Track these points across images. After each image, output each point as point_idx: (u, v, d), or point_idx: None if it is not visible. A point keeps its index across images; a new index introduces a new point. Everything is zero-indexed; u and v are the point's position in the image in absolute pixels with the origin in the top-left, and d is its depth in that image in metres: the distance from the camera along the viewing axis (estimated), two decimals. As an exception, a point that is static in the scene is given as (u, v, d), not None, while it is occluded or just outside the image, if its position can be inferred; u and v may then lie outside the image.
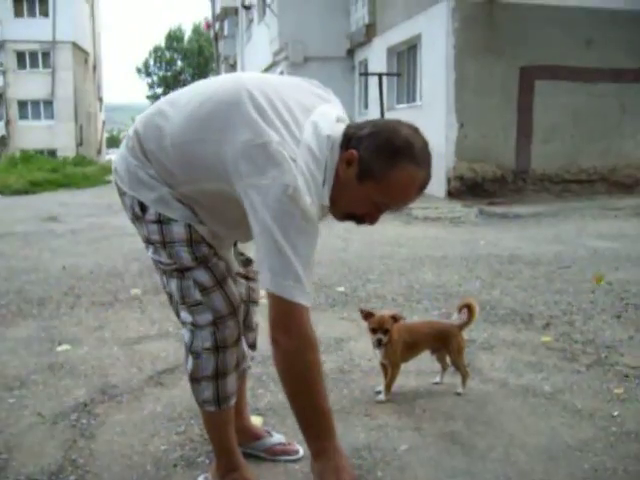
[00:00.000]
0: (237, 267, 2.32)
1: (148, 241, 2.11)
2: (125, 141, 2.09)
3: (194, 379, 2.15)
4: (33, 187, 17.80)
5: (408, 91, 14.63)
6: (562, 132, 11.66)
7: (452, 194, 11.60)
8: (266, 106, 1.85)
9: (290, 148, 1.79)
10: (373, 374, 3.47)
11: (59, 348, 4.01)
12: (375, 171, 1.85)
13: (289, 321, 1.84)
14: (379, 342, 3.00)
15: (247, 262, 2.42)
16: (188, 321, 2.10)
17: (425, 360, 3.70)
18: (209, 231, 2.07)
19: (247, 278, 2.39)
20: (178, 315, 2.18)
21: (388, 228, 8.74)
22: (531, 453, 2.65)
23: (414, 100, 14.12)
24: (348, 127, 1.94)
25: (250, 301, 2.40)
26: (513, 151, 11.69)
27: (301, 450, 2.59)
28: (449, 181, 11.67)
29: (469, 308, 3.23)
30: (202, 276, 2.05)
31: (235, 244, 2.36)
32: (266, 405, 3.09)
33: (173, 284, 2.09)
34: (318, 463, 1.95)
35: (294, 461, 2.57)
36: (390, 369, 3.11)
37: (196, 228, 2.03)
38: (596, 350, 3.84)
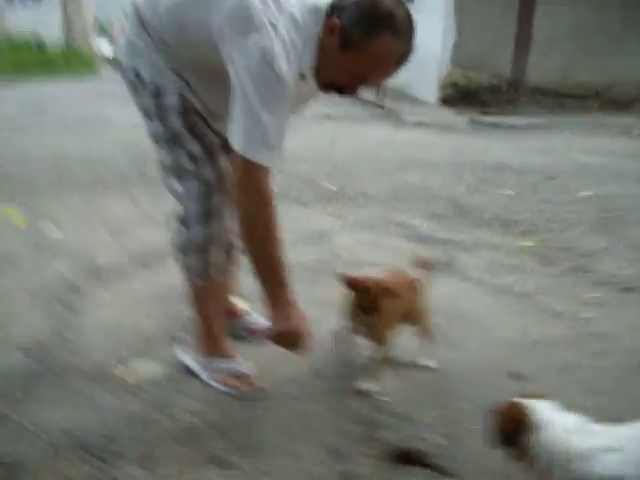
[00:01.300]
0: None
1: (144, 111, 2.14)
2: (127, 14, 2.13)
3: (182, 250, 2.23)
4: (16, 70, 17.34)
5: (407, -8, 14.23)
6: (561, 44, 11.42)
7: (444, 101, 11.45)
8: None
9: (272, 14, 1.81)
10: (354, 265, 3.54)
11: (48, 232, 4.04)
12: (355, 40, 1.84)
13: (250, 181, 1.88)
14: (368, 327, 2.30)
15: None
16: (179, 191, 2.17)
17: (404, 256, 3.80)
18: (202, 104, 2.10)
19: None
20: (170, 187, 2.23)
21: (377, 131, 8.70)
22: (503, 346, 2.77)
23: (412, 0, 13.75)
24: None
25: None
26: (509, 61, 11.49)
27: None
28: (442, 87, 11.52)
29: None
30: (192, 145, 2.10)
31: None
32: (251, 291, 3.15)
33: (165, 153, 2.15)
34: (272, 311, 2.04)
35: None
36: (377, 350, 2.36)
37: (188, 98, 2.07)
38: (573, 257, 3.93)
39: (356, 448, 2.06)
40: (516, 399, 1.66)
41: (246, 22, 1.80)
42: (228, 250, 2.34)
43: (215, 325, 2.38)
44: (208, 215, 2.16)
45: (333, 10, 1.87)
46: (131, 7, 2.10)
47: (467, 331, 2.90)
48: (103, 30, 30.14)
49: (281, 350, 2.15)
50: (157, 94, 2.07)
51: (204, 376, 2.37)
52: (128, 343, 2.65)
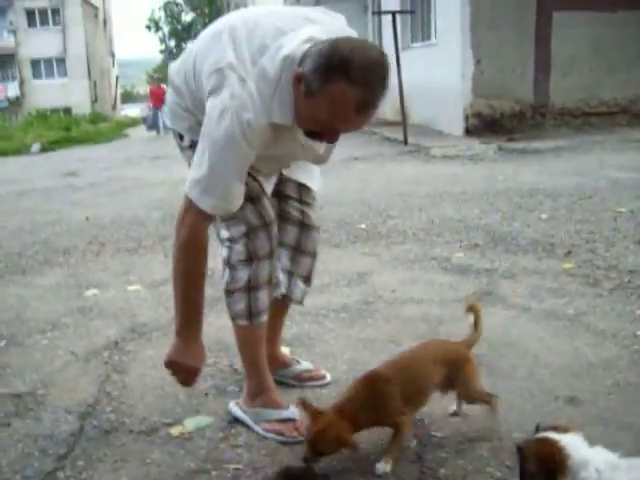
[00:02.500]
0: (289, 191, 2.44)
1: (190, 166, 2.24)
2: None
3: (228, 291, 2.31)
4: (51, 145, 17.88)
5: (423, 29, 14.38)
6: (581, 64, 11.41)
7: (470, 131, 11.46)
8: (240, 34, 1.98)
9: (244, 69, 1.91)
10: (397, 304, 3.51)
11: (87, 293, 4.09)
12: (313, 88, 1.85)
13: (186, 217, 2.03)
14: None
15: (301, 187, 2.47)
16: (225, 237, 2.28)
17: (448, 288, 3.75)
18: None
19: (301, 202, 2.47)
20: (218, 235, 2.32)
21: (406, 167, 8.71)
22: (555, 372, 2.69)
23: (429, 38, 13.87)
24: (310, 46, 1.92)
25: (304, 224, 2.48)
26: (531, 85, 11.48)
27: (328, 376, 2.67)
28: (467, 118, 11.53)
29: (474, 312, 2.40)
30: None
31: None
32: (292, 336, 3.15)
33: None
34: (176, 339, 2.18)
35: (321, 386, 2.65)
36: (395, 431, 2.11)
37: None
38: (619, 275, 3.85)
39: (413, 487, 1.99)
40: (545, 435, 1.57)
41: (218, 79, 1.93)
42: (280, 303, 2.53)
43: (264, 372, 2.40)
44: (252, 257, 2.25)
45: (302, 59, 1.90)
46: (170, 74, 2.28)
47: (516, 359, 2.82)
48: (128, 96, 31.25)
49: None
50: None
51: (257, 429, 2.34)
52: (175, 398, 2.62)
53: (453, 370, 2.23)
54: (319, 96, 1.84)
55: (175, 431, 2.37)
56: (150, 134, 22.83)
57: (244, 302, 2.28)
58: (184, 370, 2.18)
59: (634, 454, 1.57)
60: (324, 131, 1.97)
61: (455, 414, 2.37)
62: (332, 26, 2.05)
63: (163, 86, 23.20)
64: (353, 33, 2.06)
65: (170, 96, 2.29)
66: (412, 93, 12.52)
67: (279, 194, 2.43)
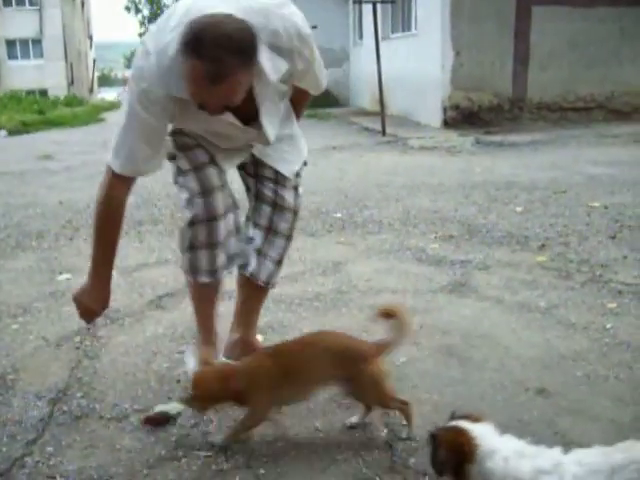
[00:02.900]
0: (265, 172, 2.54)
1: None
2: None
3: (180, 251, 2.54)
4: (25, 127, 17.61)
5: (403, 19, 14.37)
6: (559, 59, 11.49)
7: (448, 123, 11.51)
8: (170, 12, 2.11)
9: (154, 43, 2.06)
10: (371, 293, 3.52)
11: (60, 277, 4.04)
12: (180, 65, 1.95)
13: (104, 179, 2.27)
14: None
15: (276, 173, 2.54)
16: (180, 201, 2.47)
17: (423, 279, 3.77)
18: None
19: (276, 183, 2.54)
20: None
21: (384, 158, 8.72)
22: (526, 363, 2.72)
23: (409, 29, 13.87)
24: None
25: (277, 205, 2.55)
26: (510, 79, 11.54)
27: None
28: (445, 110, 11.57)
29: (396, 317, 2.18)
30: (181, 162, 2.41)
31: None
32: (266, 324, 3.14)
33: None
34: (85, 281, 2.39)
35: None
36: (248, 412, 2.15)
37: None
38: (591, 269, 3.89)
39: (382, 476, 2.00)
40: (458, 424, 1.59)
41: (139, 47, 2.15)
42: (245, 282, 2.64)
43: (203, 328, 2.61)
44: (193, 221, 2.40)
45: None
46: None
47: (488, 350, 2.85)
48: (106, 79, 30.70)
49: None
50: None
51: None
52: (146, 384, 2.61)
53: (351, 370, 2.10)
54: (184, 72, 1.93)
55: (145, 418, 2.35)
56: None
57: (187, 259, 2.49)
58: (84, 308, 2.37)
59: (602, 445, 1.58)
60: (202, 103, 2.01)
61: (352, 427, 2.23)
62: (256, 6, 2.05)
63: None
64: (284, 15, 2.09)
65: None
66: (391, 84, 12.54)
67: (256, 175, 2.55)
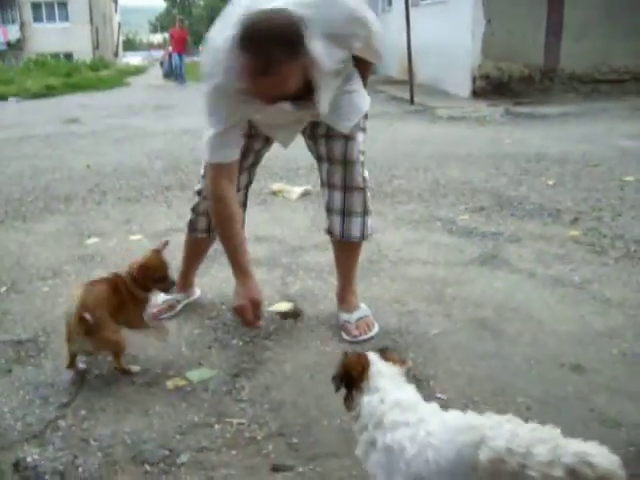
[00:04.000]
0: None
1: None
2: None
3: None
4: (51, 90, 17.64)
5: (433, -14, 14.09)
6: (594, 29, 11.21)
7: (477, 93, 11.32)
8: (228, 10, 2.23)
9: (219, 39, 2.14)
10: (402, 264, 3.48)
11: (88, 241, 4.05)
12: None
13: (206, 175, 2.45)
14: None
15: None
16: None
17: (453, 250, 3.72)
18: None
19: (345, 138, 2.59)
20: None
21: (412, 127, 8.61)
22: (561, 338, 2.67)
23: (440, -4, 13.61)
24: None
25: (346, 161, 2.61)
26: (542, 49, 11.29)
27: (360, 336, 2.67)
28: (474, 80, 11.37)
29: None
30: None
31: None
32: (296, 292, 3.13)
33: None
34: (235, 287, 2.37)
35: (350, 342, 2.66)
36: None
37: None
38: (625, 244, 3.81)
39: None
40: (369, 352, 1.62)
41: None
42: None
43: (183, 269, 3.02)
44: (201, 194, 2.72)
45: None
46: None
47: (521, 324, 2.80)
48: (130, 44, 30.73)
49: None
50: None
51: None
52: (177, 350, 2.61)
53: None
54: (239, 65, 2.02)
55: (178, 383, 2.35)
56: (167, 82, 21.88)
57: (189, 218, 2.87)
58: (247, 308, 2.28)
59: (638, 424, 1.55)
60: (253, 94, 2.11)
61: None
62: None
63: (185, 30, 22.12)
64: (336, 2, 2.16)
65: None
66: (420, 52, 12.32)
67: (317, 136, 2.63)
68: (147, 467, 1.89)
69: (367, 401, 1.53)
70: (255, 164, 2.74)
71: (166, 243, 2.62)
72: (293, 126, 2.55)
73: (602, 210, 4.53)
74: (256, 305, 2.30)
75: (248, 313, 2.28)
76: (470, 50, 11.26)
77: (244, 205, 2.78)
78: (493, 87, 11.34)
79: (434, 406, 1.54)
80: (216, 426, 2.09)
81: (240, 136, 2.37)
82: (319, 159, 2.67)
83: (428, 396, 2.23)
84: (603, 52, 11.32)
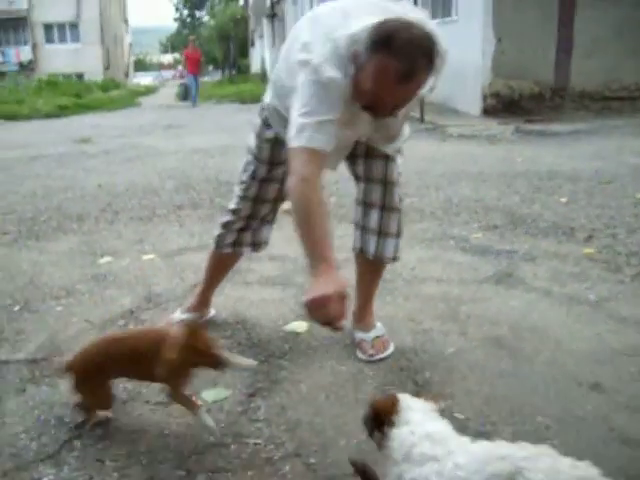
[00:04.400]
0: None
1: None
2: None
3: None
4: (62, 110, 17.80)
5: (443, 5, 14.14)
6: (604, 47, 11.20)
7: (488, 112, 11.32)
8: (318, 17, 2.23)
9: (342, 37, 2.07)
10: (416, 282, 3.47)
11: (101, 260, 4.05)
12: (362, 61, 2.01)
13: (292, 163, 2.11)
14: None
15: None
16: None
17: (468, 268, 3.70)
18: None
19: (386, 158, 2.61)
20: None
21: (422, 145, 8.61)
22: (578, 357, 2.64)
23: (449, 14, 13.64)
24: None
25: (386, 181, 2.62)
26: (552, 67, 11.30)
27: (375, 355, 2.66)
28: (485, 98, 11.38)
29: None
30: (261, 170, 2.66)
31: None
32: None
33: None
34: (311, 280, 2.03)
35: (366, 361, 2.61)
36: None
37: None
38: (640, 262, 3.78)
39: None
40: (393, 393, 1.64)
41: (304, 55, 2.13)
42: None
43: (201, 288, 3.03)
44: (234, 212, 2.76)
45: (362, 40, 2.03)
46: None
47: (538, 343, 2.77)
48: (141, 64, 31.00)
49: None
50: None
51: None
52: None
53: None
54: (366, 67, 1.99)
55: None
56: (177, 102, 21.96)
57: (217, 234, 2.84)
58: (332, 301, 1.90)
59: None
60: (375, 103, 2.07)
61: None
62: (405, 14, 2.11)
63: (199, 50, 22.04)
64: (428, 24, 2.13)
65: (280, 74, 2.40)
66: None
67: (362, 156, 2.62)
68: (163, 488, 1.88)
69: (397, 433, 1.52)
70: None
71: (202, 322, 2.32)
72: (346, 149, 2.54)
73: (616, 227, 4.50)
74: (342, 299, 1.93)
75: (333, 305, 1.89)
76: (480, 68, 11.29)
77: (272, 224, 2.87)
78: (504, 105, 11.34)
79: (465, 439, 1.51)
80: (232, 446, 2.07)
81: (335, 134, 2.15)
82: (356, 178, 2.69)
83: (445, 417, 2.21)
84: (613, 69, 11.31)
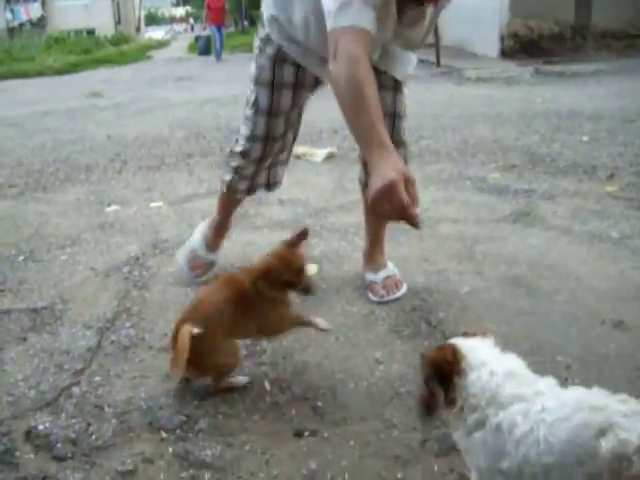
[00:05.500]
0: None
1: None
2: None
3: (224, 162, 2.76)
4: (74, 67, 17.62)
5: (458, -55, 13.72)
6: (627, -19, 10.79)
7: (506, 53, 11.00)
8: None
9: None
10: (430, 222, 3.34)
11: (108, 209, 3.96)
12: None
13: (338, 47, 1.84)
14: None
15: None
16: (244, 116, 2.60)
17: (484, 208, 3.58)
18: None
19: (395, 90, 2.48)
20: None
21: (439, 89, 8.39)
22: (600, 295, 2.52)
23: (465, -45, 13.25)
24: None
25: (395, 114, 2.51)
26: (572, 5, 10.91)
27: (382, 297, 2.56)
28: (502, 39, 11.05)
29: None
30: (262, 96, 2.49)
31: None
32: (320, 253, 3.01)
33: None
34: (371, 169, 1.77)
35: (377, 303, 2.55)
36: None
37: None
38: (665, 198, 3.63)
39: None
40: (451, 341, 1.43)
41: None
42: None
43: (215, 224, 2.89)
44: (244, 156, 2.60)
45: None
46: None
47: (558, 281, 2.65)
48: (152, 19, 30.52)
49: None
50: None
51: (181, 249, 2.94)
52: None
53: None
54: None
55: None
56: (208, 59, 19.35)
57: (229, 179, 2.69)
58: (398, 188, 1.64)
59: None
60: None
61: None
62: None
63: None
64: None
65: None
66: (445, 13, 11.99)
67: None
68: (163, 434, 1.80)
69: (475, 378, 1.33)
70: (300, 117, 2.66)
71: (305, 233, 2.03)
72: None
73: (639, 165, 4.33)
74: (412, 183, 1.68)
75: (402, 191, 1.63)
76: (497, 8, 10.93)
77: (287, 163, 2.78)
78: (522, 46, 11.00)
79: (551, 380, 1.36)
80: (235, 390, 1.98)
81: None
82: None
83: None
84: (637, 5, 10.89)
